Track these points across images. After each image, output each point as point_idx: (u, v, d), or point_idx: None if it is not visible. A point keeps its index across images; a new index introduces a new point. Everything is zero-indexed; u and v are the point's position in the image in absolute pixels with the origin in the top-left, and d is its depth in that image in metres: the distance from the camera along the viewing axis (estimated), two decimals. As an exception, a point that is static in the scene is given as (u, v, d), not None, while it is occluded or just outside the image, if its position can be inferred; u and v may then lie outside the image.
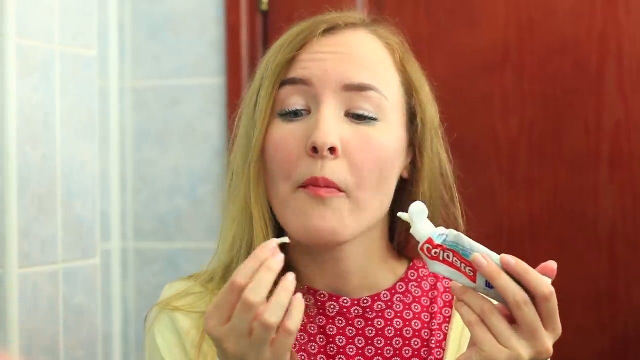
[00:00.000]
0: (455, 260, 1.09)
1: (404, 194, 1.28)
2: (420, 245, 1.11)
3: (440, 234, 1.10)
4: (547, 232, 1.98)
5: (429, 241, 1.10)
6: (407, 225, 1.24)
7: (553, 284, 1.10)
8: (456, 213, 1.32)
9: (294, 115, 1.21)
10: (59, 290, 1.77)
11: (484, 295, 1.09)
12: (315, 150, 1.17)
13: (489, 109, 2.01)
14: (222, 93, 2.14)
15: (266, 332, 1.04)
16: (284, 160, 1.20)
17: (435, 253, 1.09)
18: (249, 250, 1.22)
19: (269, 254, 1.06)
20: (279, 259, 1.06)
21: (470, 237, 1.10)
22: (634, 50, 1.94)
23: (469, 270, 1.08)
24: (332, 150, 1.18)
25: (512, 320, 1.08)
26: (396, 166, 1.24)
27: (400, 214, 1.13)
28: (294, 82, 1.21)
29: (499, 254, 1.09)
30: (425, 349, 1.26)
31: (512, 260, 1.07)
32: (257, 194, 1.22)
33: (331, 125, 1.18)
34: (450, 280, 1.11)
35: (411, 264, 1.32)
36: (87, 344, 1.85)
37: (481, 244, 1.10)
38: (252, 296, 1.04)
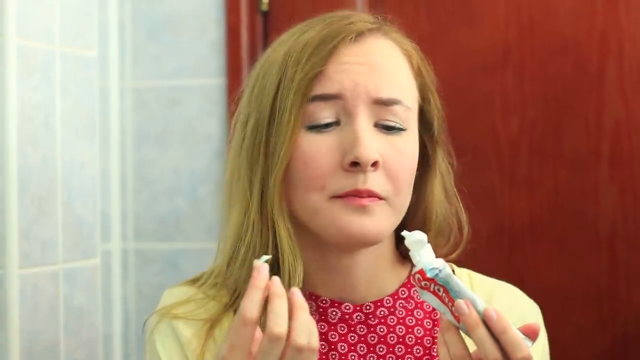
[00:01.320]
0: (444, 296, 1.10)
1: (414, 194, 1.29)
2: (412, 273, 1.12)
3: (433, 268, 1.10)
4: (548, 231, 1.98)
5: (421, 272, 1.11)
6: (420, 221, 1.28)
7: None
8: (459, 211, 1.33)
9: (324, 127, 1.22)
10: (59, 290, 1.77)
11: (465, 337, 1.09)
12: (354, 164, 1.19)
13: (490, 108, 2.01)
14: (223, 93, 2.14)
15: (298, 354, 1.05)
16: (316, 172, 1.21)
17: (425, 284, 1.10)
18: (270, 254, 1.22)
19: (266, 279, 1.07)
20: (276, 281, 1.08)
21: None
22: (634, 50, 1.94)
23: (455, 309, 1.08)
24: (374, 164, 1.20)
25: None
26: (416, 169, 1.27)
27: (404, 233, 1.14)
28: (326, 97, 1.21)
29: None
30: (427, 356, 1.26)
31: (493, 315, 1.07)
32: (281, 209, 1.22)
33: (371, 140, 1.20)
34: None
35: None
36: (87, 344, 1.85)
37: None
38: (277, 328, 1.05)
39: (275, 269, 1.22)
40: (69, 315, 1.79)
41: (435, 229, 1.32)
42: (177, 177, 2.16)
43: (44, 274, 1.73)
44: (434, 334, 1.27)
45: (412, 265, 1.30)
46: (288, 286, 1.17)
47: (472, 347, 1.09)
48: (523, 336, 1.07)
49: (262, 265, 1.09)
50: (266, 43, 2.09)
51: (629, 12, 1.94)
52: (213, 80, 2.15)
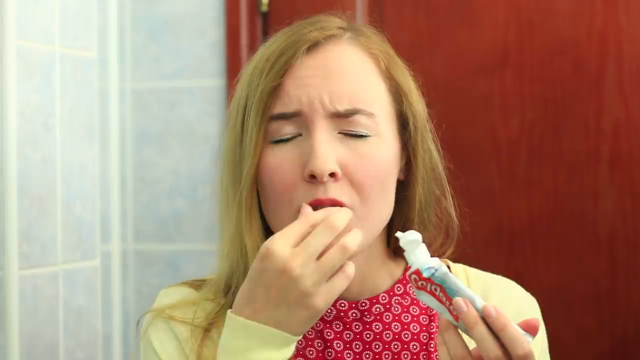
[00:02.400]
0: (441, 295, 1.09)
1: (400, 194, 1.28)
2: (408, 274, 1.11)
3: (429, 267, 1.09)
4: (547, 232, 1.98)
5: (417, 272, 1.10)
6: (400, 224, 1.26)
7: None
8: (448, 207, 1.32)
9: (287, 140, 1.21)
10: (59, 291, 1.77)
11: (465, 336, 1.09)
12: (313, 177, 1.18)
13: (489, 109, 2.01)
14: (222, 94, 2.14)
15: (342, 255, 1.10)
16: (280, 186, 1.20)
17: (422, 284, 1.10)
18: (245, 268, 1.22)
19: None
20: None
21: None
22: (633, 51, 1.94)
23: (453, 308, 1.08)
24: (332, 175, 1.19)
25: None
26: (393, 174, 1.25)
27: (397, 234, 1.14)
28: (285, 117, 1.21)
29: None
30: (424, 352, 1.26)
31: (492, 312, 1.06)
32: (250, 224, 1.22)
33: (327, 151, 1.19)
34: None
35: (408, 265, 1.31)
36: (87, 345, 1.85)
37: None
38: (337, 221, 1.11)
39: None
40: (69, 316, 1.79)
41: (419, 231, 1.31)
42: (176, 178, 2.16)
43: (44, 275, 1.73)
44: (431, 329, 1.27)
45: (406, 262, 1.30)
46: None
47: (471, 345, 1.09)
48: (523, 332, 1.07)
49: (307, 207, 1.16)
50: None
51: (628, 13, 1.94)
52: (213, 81, 2.15)
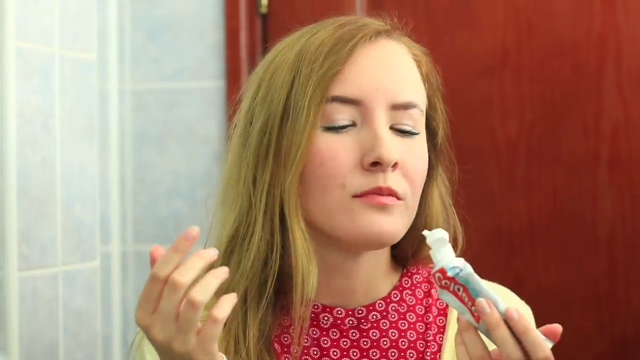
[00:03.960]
0: (464, 296, 1.09)
1: None
2: (432, 272, 1.11)
3: (454, 267, 1.10)
4: (546, 234, 1.98)
5: (441, 271, 1.10)
6: (419, 238, 1.26)
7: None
8: (453, 219, 1.33)
9: (341, 128, 1.22)
10: (59, 293, 1.77)
11: (484, 337, 1.09)
12: (375, 164, 1.19)
13: (488, 111, 2.01)
14: (222, 96, 2.14)
15: (192, 311, 1.05)
16: (335, 171, 1.20)
17: (445, 283, 1.10)
18: (278, 257, 1.22)
19: (190, 244, 1.09)
20: (212, 251, 1.09)
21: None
22: (632, 53, 1.94)
23: (475, 309, 1.08)
24: (395, 165, 1.20)
25: None
26: None
27: (425, 232, 1.14)
28: (344, 100, 1.21)
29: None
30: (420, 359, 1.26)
31: (515, 315, 1.07)
32: (297, 207, 1.22)
33: (392, 142, 1.21)
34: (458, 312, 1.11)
35: (405, 271, 1.31)
36: (86, 346, 1.85)
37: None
38: (178, 276, 1.06)
39: (283, 272, 1.22)
40: (68, 317, 1.79)
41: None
42: (176, 179, 2.16)
43: (44, 276, 1.73)
44: (427, 337, 1.27)
45: (403, 271, 1.30)
46: (302, 290, 1.18)
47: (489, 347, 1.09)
48: (543, 337, 1.08)
49: (194, 230, 1.09)
50: (265, 45, 2.10)
51: (627, 15, 1.94)
52: (212, 82, 2.15)
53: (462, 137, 1.99)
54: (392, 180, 1.20)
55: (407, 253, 1.31)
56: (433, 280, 1.11)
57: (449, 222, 1.32)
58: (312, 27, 1.27)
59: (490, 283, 1.36)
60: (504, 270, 1.95)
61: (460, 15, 2.02)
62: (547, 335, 1.09)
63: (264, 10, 2.12)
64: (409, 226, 1.24)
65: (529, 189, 1.99)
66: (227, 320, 1.19)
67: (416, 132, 1.24)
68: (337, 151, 1.20)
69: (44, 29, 1.75)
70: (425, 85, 1.28)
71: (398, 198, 1.21)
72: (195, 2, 2.16)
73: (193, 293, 1.05)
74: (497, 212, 1.99)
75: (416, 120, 1.24)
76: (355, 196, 1.20)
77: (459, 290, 1.09)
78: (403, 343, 1.26)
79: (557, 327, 1.10)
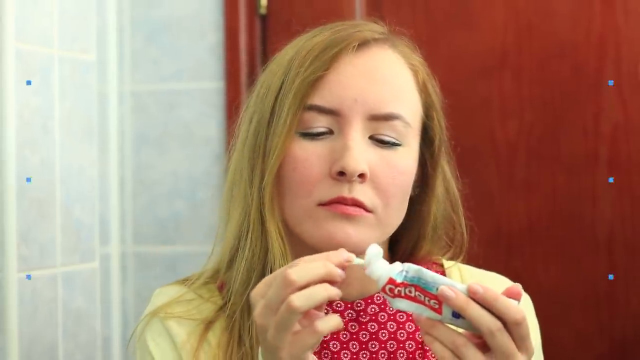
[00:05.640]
0: (418, 295, 1.07)
1: (411, 209, 1.28)
2: (382, 287, 1.08)
3: (399, 272, 1.08)
4: (546, 235, 1.98)
5: (391, 281, 1.08)
6: (414, 238, 1.27)
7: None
8: (463, 229, 1.33)
9: (317, 135, 1.22)
10: (58, 294, 1.77)
11: (453, 326, 1.08)
12: (341, 174, 1.19)
13: (488, 112, 2.01)
14: (221, 97, 2.14)
15: (288, 314, 1.03)
16: (305, 179, 1.21)
17: (398, 291, 1.08)
18: (264, 262, 1.22)
19: (337, 262, 1.06)
20: (341, 272, 1.06)
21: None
22: (632, 54, 1.94)
23: (434, 302, 1.06)
24: (361, 175, 1.20)
25: (484, 346, 1.06)
26: (411, 185, 1.26)
27: (355, 259, 1.11)
28: (322, 110, 1.21)
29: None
30: (419, 351, 1.26)
31: (479, 288, 1.05)
32: (273, 210, 1.22)
33: (360, 152, 1.20)
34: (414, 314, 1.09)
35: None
36: (86, 347, 1.85)
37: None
38: (293, 275, 1.03)
39: (268, 272, 1.22)
40: (68, 318, 1.79)
41: (427, 247, 1.32)
42: (176, 180, 2.16)
43: (43, 277, 1.73)
44: None
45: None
46: None
47: None
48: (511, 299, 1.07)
49: (349, 256, 1.07)
50: (265, 46, 2.10)
51: (627, 16, 1.94)
52: (212, 83, 2.15)
53: (461, 138, 1.98)
54: (358, 191, 1.19)
55: (405, 250, 1.32)
56: (383, 294, 1.09)
57: (454, 227, 1.32)
58: (314, 30, 1.28)
59: (487, 272, 1.37)
60: (503, 270, 1.93)
61: (460, 16, 2.02)
62: (511, 296, 1.06)
63: (263, 11, 2.12)
64: (382, 238, 1.23)
65: (528, 189, 1.99)
66: (234, 316, 1.20)
67: (398, 143, 1.22)
68: (309, 158, 1.21)
69: (43, 30, 1.75)
70: (421, 95, 1.27)
71: (366, 210, 1.20)
72: (194, 3, 2.16)
73: (294, 296, 1.03)
74: (497, 213, 1.99)
75: (399, 131, 1.22)
76: (321, 204, 1.20)
77: (410, 292, 1.07)
78: (401, 334, 1.27)
79: (517, 286, 1.08)
